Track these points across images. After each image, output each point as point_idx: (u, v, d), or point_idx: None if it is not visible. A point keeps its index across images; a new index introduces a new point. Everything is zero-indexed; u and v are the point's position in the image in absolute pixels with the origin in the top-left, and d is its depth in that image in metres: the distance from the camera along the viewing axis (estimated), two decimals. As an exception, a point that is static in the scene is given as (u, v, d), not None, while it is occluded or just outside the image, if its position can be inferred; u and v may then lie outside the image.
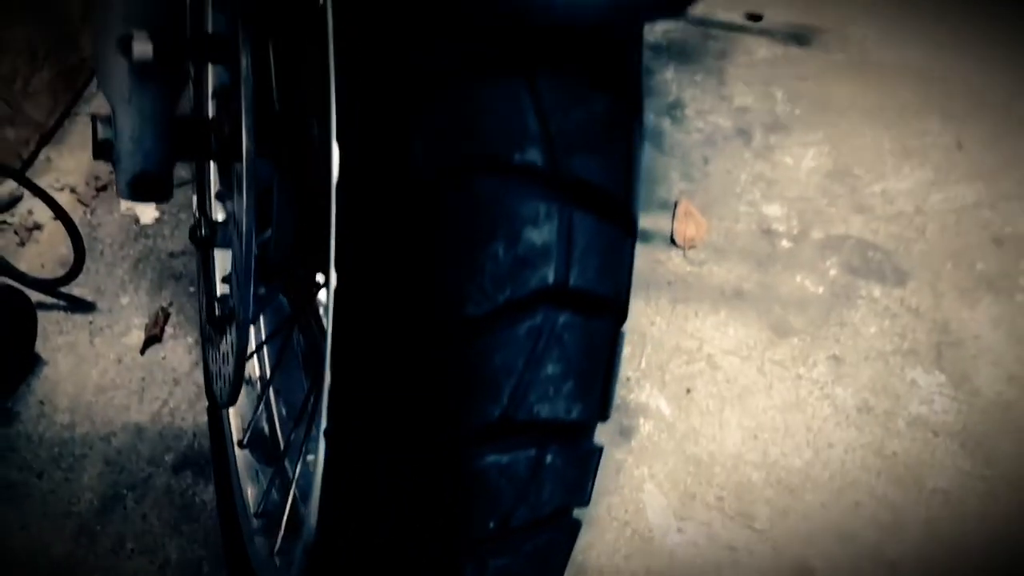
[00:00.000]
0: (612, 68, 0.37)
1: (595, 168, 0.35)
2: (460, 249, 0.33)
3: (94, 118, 0.61)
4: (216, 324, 0.62)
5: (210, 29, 0.70)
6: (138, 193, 0.61)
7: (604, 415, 0.40)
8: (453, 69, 0.31)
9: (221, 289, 0.74)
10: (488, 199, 0.33)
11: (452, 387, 0.34)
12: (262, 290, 0.63)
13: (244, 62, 0.53)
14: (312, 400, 0.64)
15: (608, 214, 0.36)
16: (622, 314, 0.40)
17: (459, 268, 0.33)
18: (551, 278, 0.34)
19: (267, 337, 0.76)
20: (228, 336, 0.60)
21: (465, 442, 0.35)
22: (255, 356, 0.82)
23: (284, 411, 0.79)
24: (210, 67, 0.71)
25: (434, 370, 0.34)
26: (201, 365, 1.03)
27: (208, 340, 0.69)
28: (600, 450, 0.41)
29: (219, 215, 0.77)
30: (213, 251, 0.75)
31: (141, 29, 0.56)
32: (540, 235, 0.34)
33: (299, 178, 0.56)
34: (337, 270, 0.36)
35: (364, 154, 0.34)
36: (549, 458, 0.37)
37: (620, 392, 1.03)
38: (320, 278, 0.65)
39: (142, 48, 0.56)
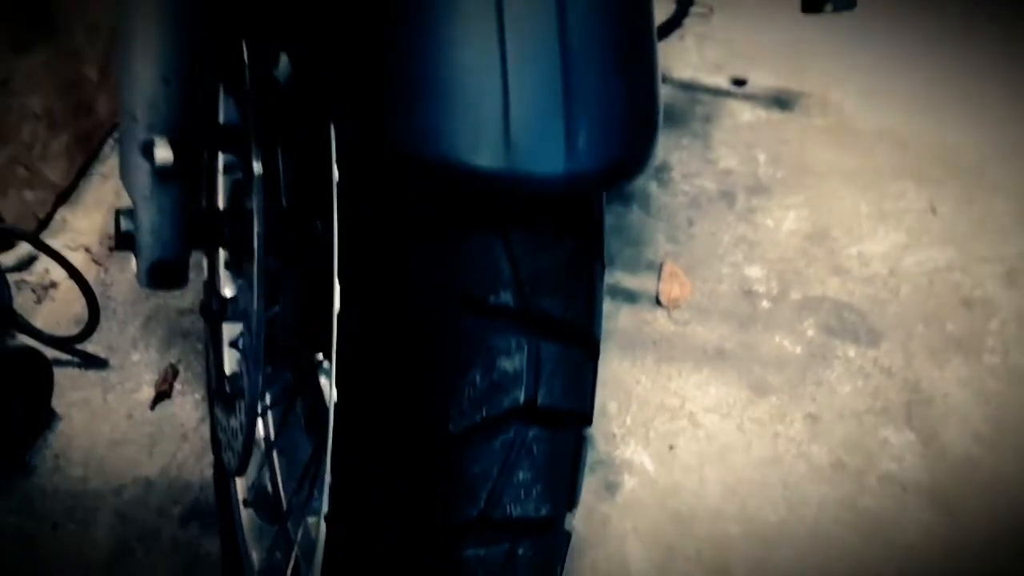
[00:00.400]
0: (576, 220, 0.43)
1: (559, 304, 0.41)
2: (444, 375, 0.39)
3: (117, 212, 0.67)
4: (225, 401, 0.68)
5: (222, 118, 0.76)
6: (156, 281, 0.67)
7: (572, 506, 0.46)
8: (440, 225, 0.38)
9: (229, 358, 0.80)
10: (468, 334, 0.39)
11: (437, 490, 0.40)
12: (268, 369, 0.69)
13: (256, 168, 0.59)
14: (313, 468, 0.69)
15: (571, 341, 0.42)
16: (586, 422, 0.46)
17: (443, 391, 0.39)
18: (521, 399, 0.41)
19: (271, 404, 0.81)
20: (237, 414, 0.66)
21: (448, 537, 0.41)
22: (260, 419, 0.88)
23: (287, 471, 0.85)
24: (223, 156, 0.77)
25: (421, 475, 0.40)
26: (208, 421, 1.08)
27: (217, 409, 0.75)
28: (568, 536, 0.47)
29: (228, 289, 0.83)
30: (222, 325, 0.81)
31: (162, 136, 0.62)
32: (512, 363, 0.40)
33: (305, 271, 0.62)
34: (338, 388, 0.42)
35: (361, 292, 0.40)
36: (521, 550, 0.42)
37: (606, 448, 1.09)
38: (320, 356, 0.71)
39: (163, 154, 0.62)
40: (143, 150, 0.62)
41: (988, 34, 1.62)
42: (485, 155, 0.34)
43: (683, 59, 1.57)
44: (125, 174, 0.65)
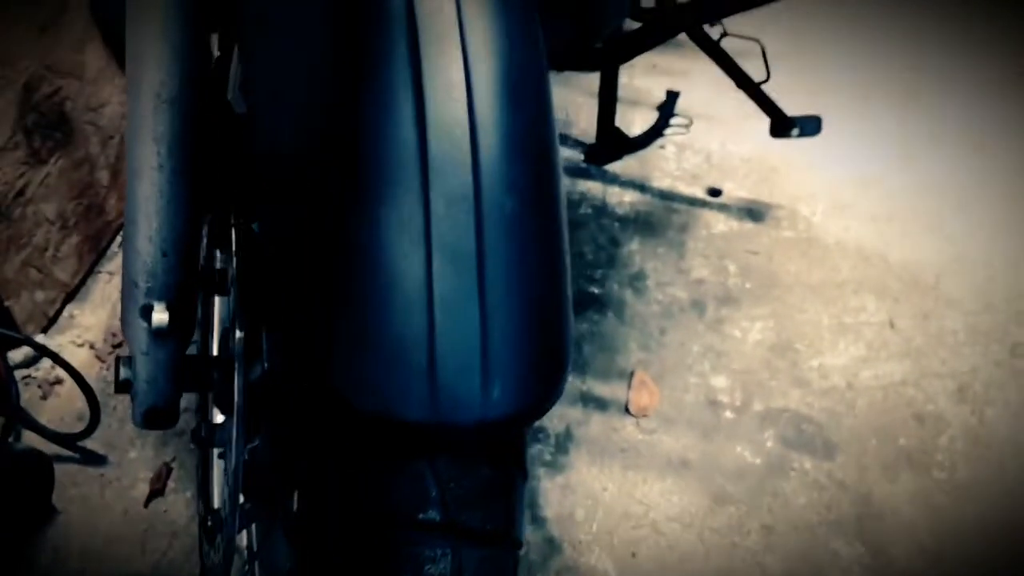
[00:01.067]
0: (498, 447, 0.51)
1: (481, 516, 0.48)
2: (378, 582, 0.47)
3: (117, 360, 0.75)
4: (208, 533, 0.75)
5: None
6: (150, 423, 0.74)
7: None
8: (375, 454, 0.45)
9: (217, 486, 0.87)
10: (400, 546, 0.46)
11: None
12: (248, 505, 0.76)
13: (238, 334, 0.67)
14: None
15: (491, 545, 0.49)
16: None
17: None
18: None
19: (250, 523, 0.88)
20: (219, 544, 0.73)
21: None
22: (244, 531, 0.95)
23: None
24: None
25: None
26: (197, 520, 1.15)
27: (203, 531, 0.82)
28: None
29: (219, 416, 0.90)
30: (212, 450, 0.88)
31: (160, 301, 0.70)
32: (438, 569, 0.47)
33: (280, 427, 0.70)
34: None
35: (318, 504, 0.48)
36: None
37: (573, 555, 1.15)
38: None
39: (159, 317, 0.70)
40: (142, 313, 0.70)
41: (952, 155, 1.71)
42: (413, 408, 0.41)
43: (662, 168, 1.66)
44: (126, 329, 0.73)
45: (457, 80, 0.44)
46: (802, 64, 1.83)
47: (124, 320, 0.73)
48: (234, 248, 0.68)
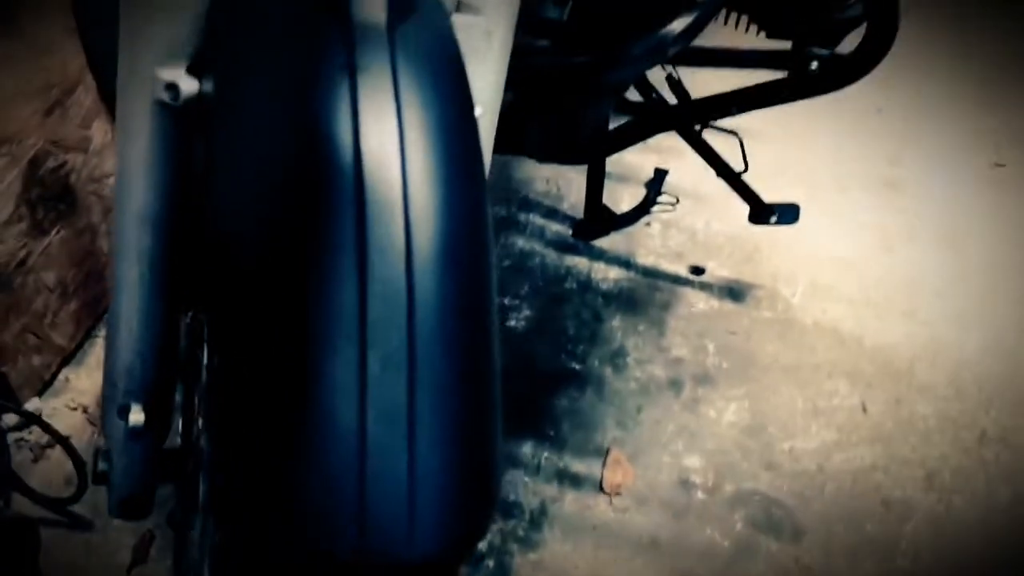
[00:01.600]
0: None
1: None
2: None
3: (96, 451, 0.80)
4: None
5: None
6: (125, 513, 0.79)
7: None
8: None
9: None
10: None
11: None
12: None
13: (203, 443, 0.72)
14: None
15: None
16: None
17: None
18: None
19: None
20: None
21: None
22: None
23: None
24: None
25: None
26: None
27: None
28: None
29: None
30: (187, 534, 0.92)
31: (137, 402, 0.75)
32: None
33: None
34: None
35: None
36: None
37: (540, 632, 1.18)
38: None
39: (136, 417, 0.74)
40: (119, 412, 0.75)
41: (929, 246, 1.75)
42: (341, 548, 0.45)
43: (647, 246, 1.71)
44: (104, 424, 0.77)
45: (398, 245, 0.49)
46: (787, 150, 1.88)
47: (103, 415, 0.78)
48: (206, 350, 0.73)
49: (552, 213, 1.76)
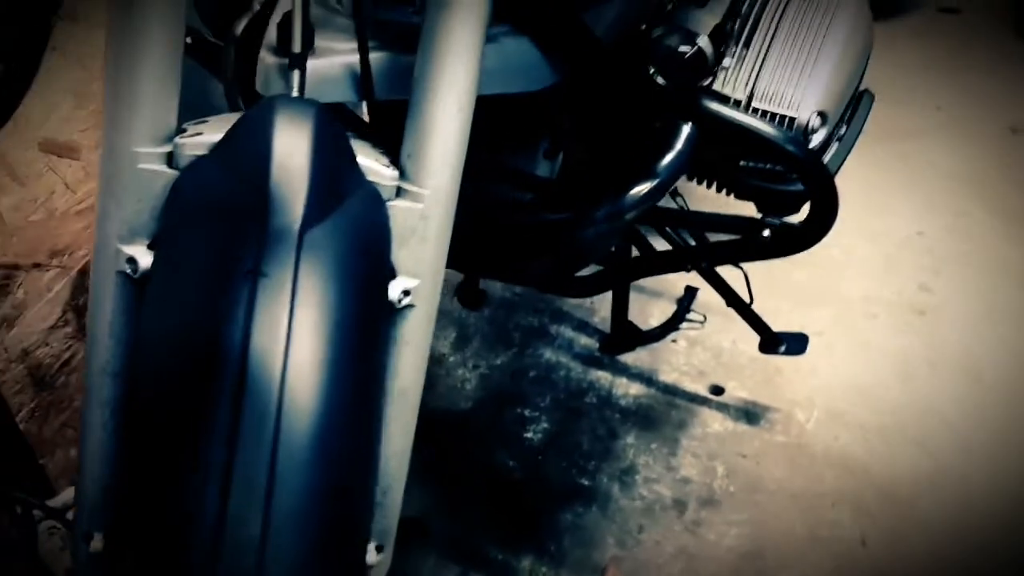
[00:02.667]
0: None
1: None
2: None
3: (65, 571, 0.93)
4: None
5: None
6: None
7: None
8: None
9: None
10: None
11: None
12: None
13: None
14: None
15: None
16: None
17: None
18: None
19: None
20: None
21: None
22: None
23: None
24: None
25: None
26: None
27: None
28: None
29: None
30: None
31: (98, 531, 0.87)
32: None
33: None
34: None
35: None
36: None
37: None
38: None
39: (95, 545, 0.86)
40: (84, 538, 0.88)
41: (949, 378, 1.77)
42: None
43: (671, 362, 1.78)
44: (73, 548, 0.90)
45: (266, 440, 0.61)
46: (821, 274, 1.93)
47: (72, 539, 0.91)
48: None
49: (583, 326, 1.85)
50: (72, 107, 1.51)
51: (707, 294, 1.88)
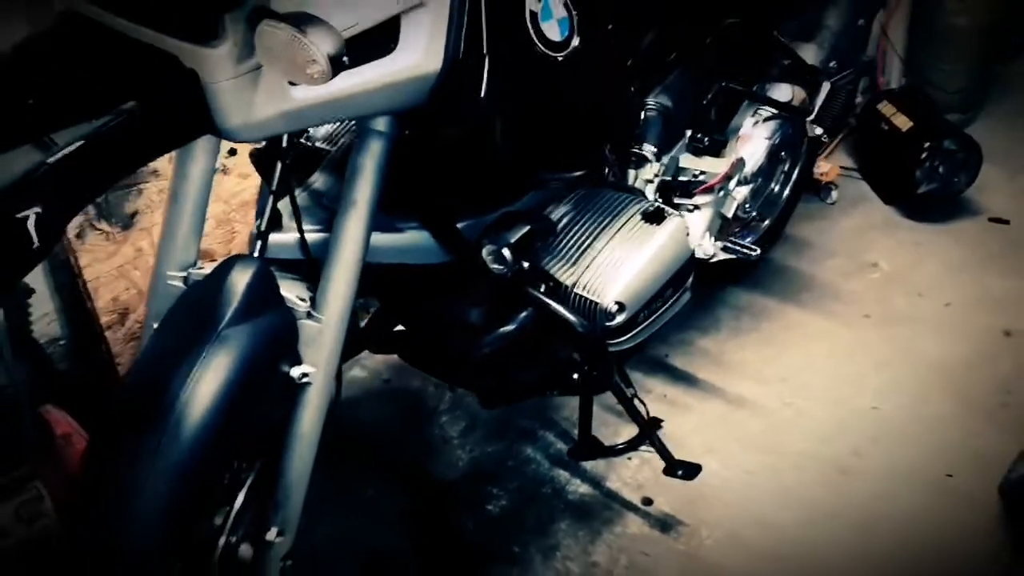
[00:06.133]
0: None
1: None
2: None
3: None
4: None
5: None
6: None
7: None
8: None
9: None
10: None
11: None
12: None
13: None
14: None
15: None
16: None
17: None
18: None
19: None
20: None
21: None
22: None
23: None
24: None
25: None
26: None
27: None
28: None
29: None
30: None
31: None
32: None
33: None
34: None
35: None
36: None
37: None
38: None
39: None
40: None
41: (847, 527, 2.11)
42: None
43: (619, 474, 2.23)
44: None
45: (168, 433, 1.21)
46: (769, 428, 2.32)
47: None
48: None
49: (563, 434, 2.35)
50: (213, 228, 2.26)
51: (676, 427, 2.33)
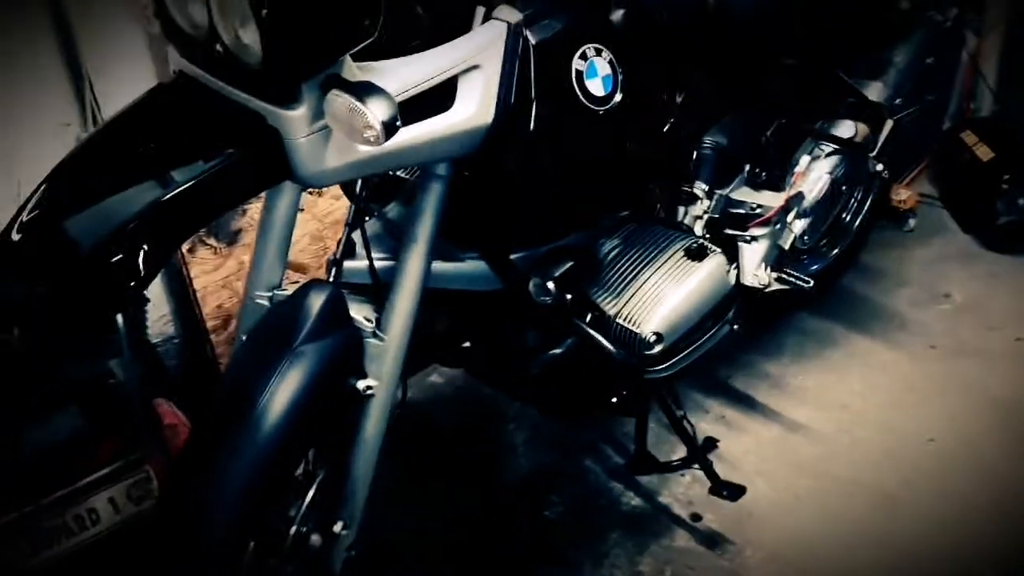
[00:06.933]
0: None
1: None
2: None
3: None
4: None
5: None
6: None
7: None
8: None
9: None
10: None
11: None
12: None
13: None
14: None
15: None
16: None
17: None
18: None
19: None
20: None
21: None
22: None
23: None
24: None
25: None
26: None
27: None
28: None
29: None
30: None
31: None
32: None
33: None
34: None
35: None
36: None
37: None
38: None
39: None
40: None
41: (885, 560, 2.18)
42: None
43: (671, 489, 2.35)
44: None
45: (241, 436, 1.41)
46: (824, 454, 2.41)
47: None
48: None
49: (621, 448, 2.49)
50: (307, 244, 2.48)
51: (729, 447, 2.44)
